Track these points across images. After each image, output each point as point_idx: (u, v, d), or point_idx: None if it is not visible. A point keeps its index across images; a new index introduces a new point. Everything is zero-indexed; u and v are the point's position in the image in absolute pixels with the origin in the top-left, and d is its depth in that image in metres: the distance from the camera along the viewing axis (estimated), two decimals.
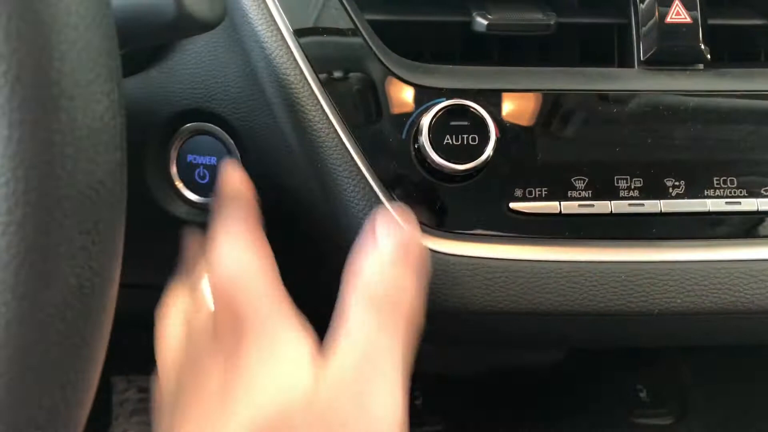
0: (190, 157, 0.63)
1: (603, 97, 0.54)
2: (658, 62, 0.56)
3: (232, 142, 0.61)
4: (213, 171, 0.62)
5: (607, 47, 0.58)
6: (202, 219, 0.63)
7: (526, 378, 0.91)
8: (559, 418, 0.86)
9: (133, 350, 1.19)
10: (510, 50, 0.58)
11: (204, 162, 0.63)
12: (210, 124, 0.61)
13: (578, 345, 0.79)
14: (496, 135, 0.51)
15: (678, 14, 0.56)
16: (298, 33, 0.54)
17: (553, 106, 0.54)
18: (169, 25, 0.43)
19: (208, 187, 0.63)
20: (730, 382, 0.93)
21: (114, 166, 0.36)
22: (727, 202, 0.54)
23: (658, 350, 0.93)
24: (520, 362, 0.92)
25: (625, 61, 0.58)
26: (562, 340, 0.65)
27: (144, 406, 1.39)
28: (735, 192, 0.54)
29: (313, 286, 0.62)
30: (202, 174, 0.63)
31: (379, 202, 0.52)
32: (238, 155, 0.61)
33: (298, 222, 0.59)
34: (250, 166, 0.60)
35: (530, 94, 0.54)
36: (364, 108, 0.53)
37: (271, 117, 0.58)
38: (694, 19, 0.56)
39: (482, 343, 0.73)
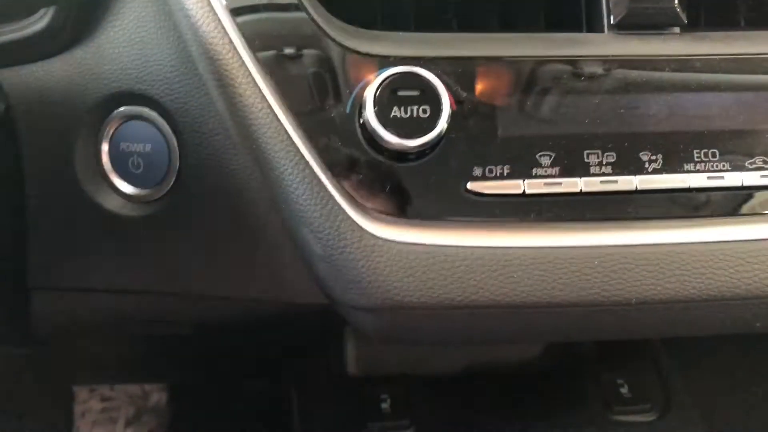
0: (123, 145, 0.58)
1: (570, 64, 0.49)
2: (629, 26, 0.51)
3: (167, 126, 0.56)
4: (148, 159, 0.57)
5: (573, 11, 0.53)
6: (138, 213, 0.58)
7: (500, 375, 0.86)
8: (535, 416, 0.81)
9: (92, 358, 1.13)
10: (469, 16, 0.52)
11: (138, 149, 0.58)
12: (143, 108, 0.56)
13: (549, 340, 0.74)
14: (451, 107, 0.46)
15: None
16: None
17: (515, 74, 0.49)
18: None
19: (142, 177, 0.58)
20: (713, 375, 0.89)
21: None
22: (709, 177, 0.49)
23: (639, 343, 0.88)
24: (494, 359, 0.87)
25: (594, 26, 0.52)
26: (531, 335, 0.60)
27: (107, 416, 1.34)
28: (717, 166, 0.49)
29: (250, 269, 0.57)
30: (136, 163, 0.58)
31: (321, 185, 0.47)
32: (174, 140, 0.56)
33: (239, 207, 0.54)
34: (187, 152, 0.55)
35: (490, 62, 0.48)
36: (302, 81, 0.48)
37: (207, 97, 0.53)
38: None
39: (442, 341, 0.68)
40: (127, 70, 0.55)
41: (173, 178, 0.57)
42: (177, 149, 0.56)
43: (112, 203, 0.58)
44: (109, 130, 0.57)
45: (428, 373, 0.88)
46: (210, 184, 0.56)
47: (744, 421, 0.87)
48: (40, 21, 0.55)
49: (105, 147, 0.57)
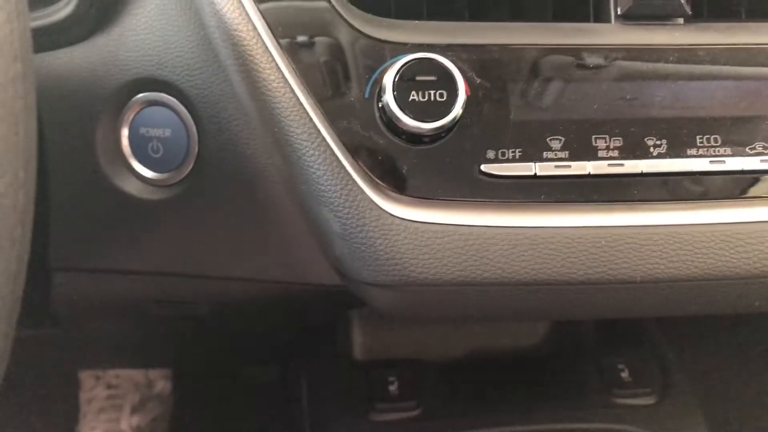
0: (143, 130, 0.59)
1: (579, 52, 0.51)
2: (635, 17, 0.53)
3: (186, 112, 0.57)
4: (167, 144, 0.59)
5: (581, 2, 0.55)
6: (157, 196, 0.59)
7: (503, 360, 0.88)
8: (537, 400, 0.83)
9: (100, 342, 1.15)
10: (479, 6, 0.54)
11: (158, 134, 0.59)
12: (163, 94, 0.57)
13: (557, 318, 0.76)
14: (466, 92, 0.48)
15: None
16: None
17: (526, 62, 0.50)
18: None
19: (162, 161, 0.59)
20: (711, 360, 0.91)
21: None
22: (711, 161, 0.51)
23: (638, 329, 0.90)
24: (497, 344, 0.89)
25: (601, 17, 0.54)
26: (541, 313, 0.62)
27: (112, 403, 1.35)
28: (719, 151, 0.51)
29: (265, 251, 0.59)
30: (155, 147, 0.59)
31: (341, 167, 0.49)
32: (194, 126, 0.57)
33: (256, 191, 0.56)
34: (206, 137, 0.57)
35: (503, 49, 0.50)
36: (323, 66, 0.50)
37: (227, 83, 0.54)
38: None
39: (455, 318, 0.69)
40: (148, 57, 0.56)
41: (192, 163, 0.58)
42: (196, 134, 0.57)
43: (131, 187, 0.59)
44: (130, 116, 0.58)
45: (433, 357, 0.90)
46: (228, 168, 0.57)
47: (740, 406, 0.89)
48: (64, 8, 0.56)
49: (125, 132, 0.58)
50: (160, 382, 1.35)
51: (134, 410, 1.35)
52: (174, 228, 0.62)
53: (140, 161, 0.59)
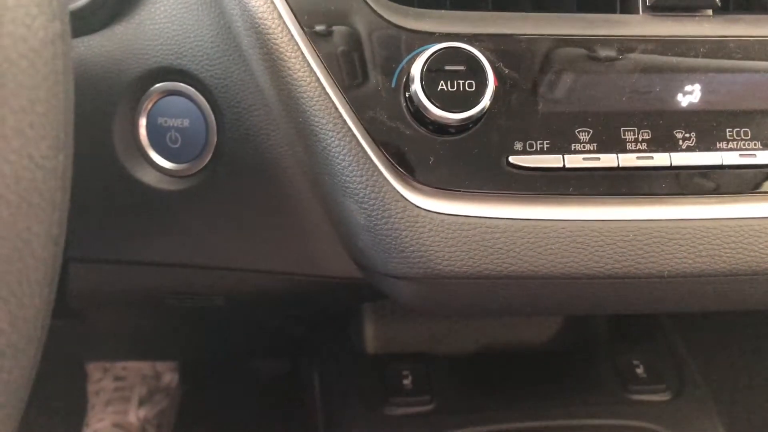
0: (160, 120, 0.59)
1: (608, 43, 0.50)
2: (663, 8, 0.52)
3: (205, 102, 0.57)
4: (185, 134, 0.58)
5: None
6: (174, 187, 0.59)
7: (516, 354, 0.87)
8: (553, 395, 0.83)
9: (109, 333, 1.14)
10: None
11: (176, 125, 0.59)
12: (182, 84, 0.57)
13: (582, 312, 0.75)
14: (494, 82, 0.47)
15: None
16: None
17: (555, 52, 0.50)
18: None
19: (180, 151, 0.58)
20: (725, 357, 0.90)
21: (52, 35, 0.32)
22: (741, 155, 0.50)
23: (653, 325, 0.90)
24: (513, 339, 0.88)
25: (628, 8, 0.54)
26: (566, 307, 0.61)
27: (120, 395, 1.36)
28: (749, 144, 0.51)
29: (284, 243, 0.58)
30: (173, 138, 0.59)
31: (366, 157, 0.48)
32: (212, 116, 0.56)
33: (275, 182, 0.55)
34: (225, 127, 0.56)
35: (531, 39, 0.49)
36: (349, 55, 0.49)
37: (247, 73, 0.54)
38: None
39: (480, 311, 0.69)
40: (167, 46, 0.56)
41: (210, 153, 0.58)
42: (215, 124, 0.57)
43: (149, 177, 0.59)
44: (147, 105, 0.58)
45: (444, 351, 0.90)
46: (247, 158, 0.57)
47: (755, 402, 0.88)
48: None
49: (143, 122, 0.58)
50: (168, 374, 1.35)
51: (142, 402, 1.35)
52: (192, 219, 0.61)
53: (158, 151, 0.58)
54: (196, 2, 0.55)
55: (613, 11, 0.54)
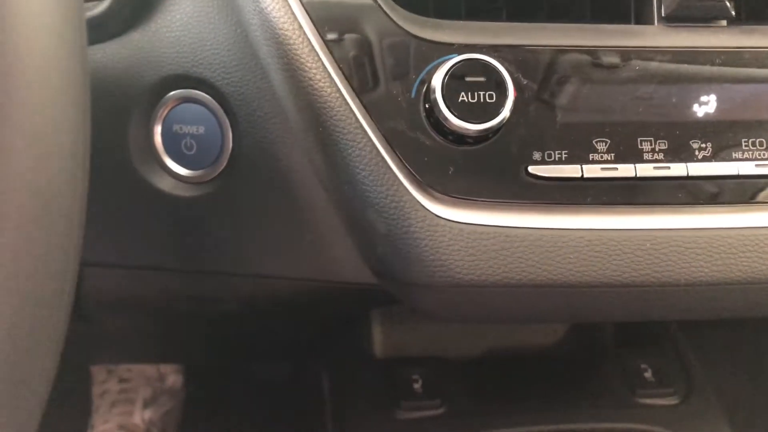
0: (176, 127, 0.59)
1: (625, 54, 0.51)
2: (679, 18, 0.53)
3: (221, 109, 0.57)
4: (201, 141, 0.59)
5: (622, 3, 0.54)
6: (189, 193, 0.59)
7: (524, 358, 0.88)
8: (562, 399, 0.84)
9: (114, 336, 1.15)
10: (518, 6, 0.54)
11: (191, 131, 0.59)
12: (198, 91, 0.57)
13: (599, 320, 0.76)
14: (513, 93, 0.48)
15: None
16: None
17: (573, 63, 0.50)
18: None
19: (195, 158, 0.59)
20: (732, 362, 0.91)
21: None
22: (757, 165, 0.51)
23: (660, 330, 0.91)
24: (521, 342, 0.89)
25: (643, 18, 0.54)
26: (584, 315, 0.62)
27: (125, 396, 1.36)
28: (765, 154, 0.51)
29: (300, 249, 0.59)
30: (189, 144, 0.59)
31: (386, 167, 0.48)
32: (228, 123, 0.57)
33: (291, 189, 0.56)
34: (240, 135, 0.57)
35: (549, 50, 0.50)
36: (369, 65, 0.49)
37: (264, 81, 0.54)
38: None
39: (498, 318, 0.70)
40: (183, 54, 0.56)
41: (226, 160, 0.58)
42: (230, 132, 0.57)
43: (164, 184, 0.59)
44: (163, 112, 0.58)
45: (452, 354, 0.90)
46: (262, 165, 0.57)
47: (762, 405, 0.89)
48: (100, 4, 0.56)
49: (158, 128, 0.58)
50: (172, 376, 1.36)
51: (147, 404, 1.35)
52: (207, 225, 0.61)
53: (173, 158, 0.59)
54: (213, 11, 0.56)
55: (628, 22, 0.54)
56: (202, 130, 0.59)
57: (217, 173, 0.59)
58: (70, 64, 0.34)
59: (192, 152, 0.59)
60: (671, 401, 0.85)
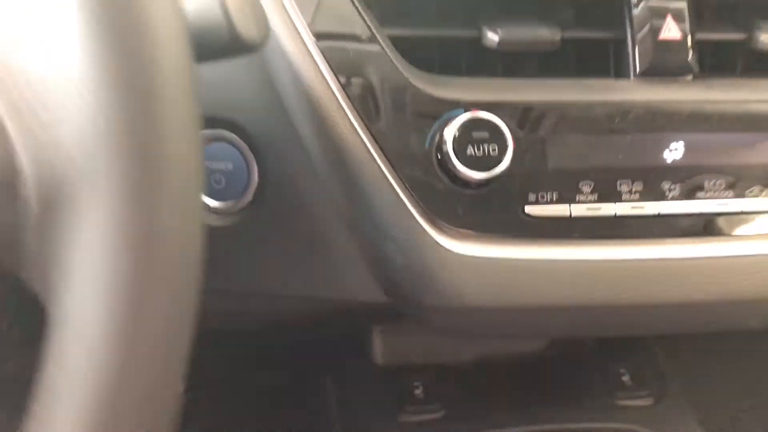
0: (206, 163, 0.65)
1: (606, 106, 0.59)
2: (651, 74, 0.61)
3: (248, 149, 0.63)
4: (229, 176, 0.65)
5: (603, 60, 0.63)
6: (218, 223, 0.66)
7: (517, 365, 0.96)
8: (549, 402, 0.91)
9: None
10: (512, 61, 0.62)
11: (220, 168, 0.65)
12: (227, 132, 0.63)
13: (586, 334, 0.84)
14: (512, 146, 0.56)
15: (669, 31, 0.61)
16: (319, 37, 0.57)
17: (561, 116, 0.58)
18: (221, 48, 0.46)
19: (223, 192, 0.65)
20: (703, 368, 1.00)
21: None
22: (717, 204, 0.59)
23: (638, 339, 0.99)
24: (512, 350, 0.97)
25: (621, 73, 0.63)
26: (572, 330, 0.70)
27: None
28: (724, 194, 0.60)
29: (320, 271, 0.66)
30: (218, 179, 0.65)
31: (404, 207, 0.56)
32: (255, 161, 0.63)
33: (313, 219, 0.62)
34: (266, 172, 0.63)
35: (541, 105, 0.58)
36: (389, 120, 0.57)
37: (290, 126, 0.61)
38: (684, 35, 0.61)
39: (499, 334, 0.78)
40: (216, 99, 0.62)
41: (251, 194, 0.64)
42: (256, 168, 0.63)
43: None
44: None
45: (448, 362, 0.98)
46: (286, 198, 0.63)
47: (729, 406, 0.98)
48: None
49: None
50: None
51: None
52: (233, 251, 0.67)
53: (204, 192, 0.65)
54: (244, 61, 0.62)
55: (609, 76, 0.63)
56: (230, 166, 0.65)
57: (243, 205, 0.64)
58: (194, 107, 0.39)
59: (221, 186, 0.65)
60: (646, 402, 0.93)
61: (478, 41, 0.61)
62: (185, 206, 0.36)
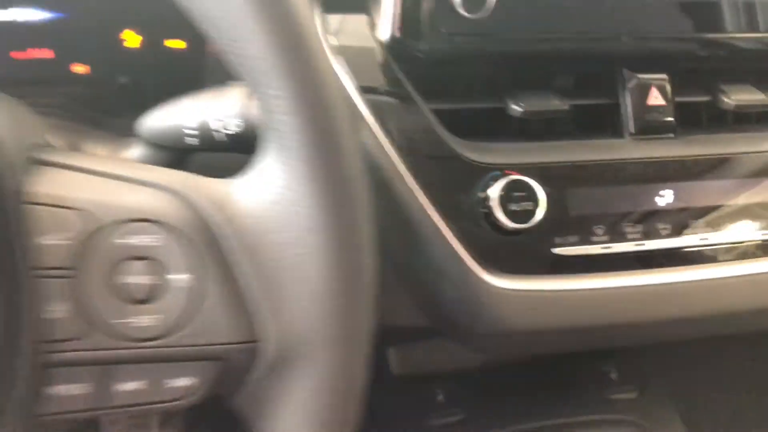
0: None
1: (610, 164, 0.74)
2: (642, 133, 0.76)
3: None
4: None
5: (601, 124, 0.78)
6: None
7: (520, 367, 1.10)
8: (549, 399, 1.06)
9: None
10: (530, 124, 0.76)
11: None
12: None
13: (609, 345, 1.00)
14: (545, 201, 0.70)
15: (655, 98, 0.76)
16: (378, 114, 0.70)
17: (577, 173, 0.73)
18: None
19: None
20: (684, 365, 1.16)
21: None
22: (700, 239, 0.75)
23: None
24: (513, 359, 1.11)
25: (617, 132, 0.77)
26: (592, 344, 0.85)
27: (135, 422, 1.48)
28: (705, 230, 0.75)
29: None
30: None
31: (457, 254, 0.70)
32: None
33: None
34: None
35: (561, 165, 0.72)
36: (442, 183, 0.70)
37: None
38: (667, 100, 0.76)
39: (531, 353, 0.92)
40: None
41: None
42: None
43: None
44: None
45: (458, 368, 1.11)
46: None
47: (707, 399, 1.15)
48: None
49: None
50: None
51: (162, 425, 1.48)
52: None
53: None
54: None
55: (607, 136, 0.78)
56: None
57: None
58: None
59: None
60: (631, 395, 1.09)
61: (502, 111, 0.75)
62: None
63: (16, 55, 0.74)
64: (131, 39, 0.76)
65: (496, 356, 1.00)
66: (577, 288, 0.72)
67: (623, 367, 1.11)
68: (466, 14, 0.70)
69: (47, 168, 0.45)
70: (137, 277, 0.43)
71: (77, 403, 0.44)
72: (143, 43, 0.76)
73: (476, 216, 0.70)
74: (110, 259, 0.43)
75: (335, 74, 0.45)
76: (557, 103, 0.75)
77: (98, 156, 0.62)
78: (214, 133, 0.57)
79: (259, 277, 0.44)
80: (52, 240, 0.42)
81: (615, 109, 0.78)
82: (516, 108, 0.74)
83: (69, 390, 0.43)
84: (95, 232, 0.43)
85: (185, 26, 0.49)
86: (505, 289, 0.70)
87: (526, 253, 0.71)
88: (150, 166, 0.50)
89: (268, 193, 0.45)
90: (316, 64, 0.43)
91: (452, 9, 0.70)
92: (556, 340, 0.76)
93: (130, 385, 0.44)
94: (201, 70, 0.76)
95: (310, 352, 0.45)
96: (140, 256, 0.43)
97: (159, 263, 0.44)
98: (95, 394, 0.44)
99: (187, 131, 0.58)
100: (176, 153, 0.61)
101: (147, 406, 0.45)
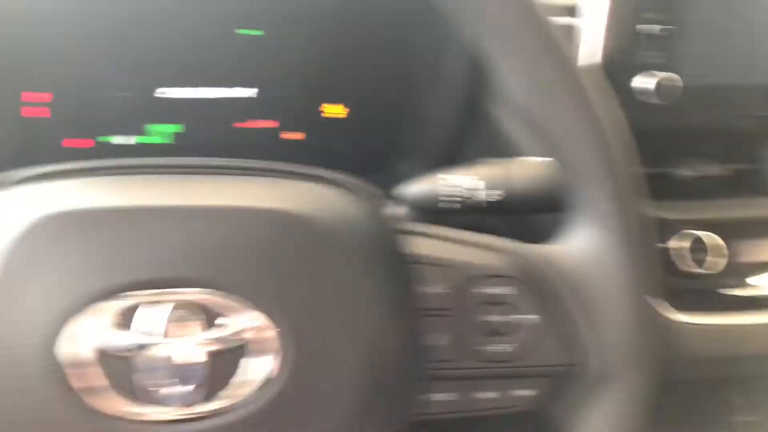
0: None
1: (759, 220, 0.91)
2: None
3: None
4: None
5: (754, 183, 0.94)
6: None
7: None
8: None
9: None
10: (693, 184, 0.93)
11: None
12: None
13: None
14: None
15: None
16: None
17: (737, 227, 0.89)
18: None
19: None
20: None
21: None
22: None
23: None
24: None
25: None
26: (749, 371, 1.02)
27: None
28: None
29: None
30: None
31: None
32: None
33: None
34: None
35: (729, 220, 0.89)
36: None
37: None
38: None
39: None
40: None
41: None
42: None
43: None
44: None
45: None
46: None
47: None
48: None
49: None
50: None
51: None
52: None
53: None
54: None
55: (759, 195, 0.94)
56: None
57: None
58: None
59: None
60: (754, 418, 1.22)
61: (672, 174, 0.91)
62: None
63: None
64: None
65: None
66: (740, 324, 0.87)
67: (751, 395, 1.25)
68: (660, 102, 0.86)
69: (412, 236, 0.60)
70: (496, 317, 0.59)
71: (447, 407, 0.60)
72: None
73: (671, 266, 0.86)
74: (477, 304, 0.59)
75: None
76: (717, 169, 0.91)
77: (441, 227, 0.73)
78: (478, 200, 0.67)
79: (582, 315, 0.60)
80: (436, 289, 0.58)
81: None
82: (687, 172, 0.90)
83: (442, 397, 0.59)
84: (466, 284, 0.59)
85: None
86: (687, 323, 0.86)
87: (705, 294, 0.87)
88: (486, 235, 0.65)
89: (588, 251, 0.60)
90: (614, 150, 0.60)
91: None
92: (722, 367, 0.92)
93: (487, 395, 0.60)
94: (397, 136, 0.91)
95: (620, 374, 0.60)
96: (498, 301, 0.59)
97: (512, 306, 0.60)
98: (460, 401, 0.60)
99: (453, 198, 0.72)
100: (434, 213, 0.77)
101: (497, 411, 0.61)
